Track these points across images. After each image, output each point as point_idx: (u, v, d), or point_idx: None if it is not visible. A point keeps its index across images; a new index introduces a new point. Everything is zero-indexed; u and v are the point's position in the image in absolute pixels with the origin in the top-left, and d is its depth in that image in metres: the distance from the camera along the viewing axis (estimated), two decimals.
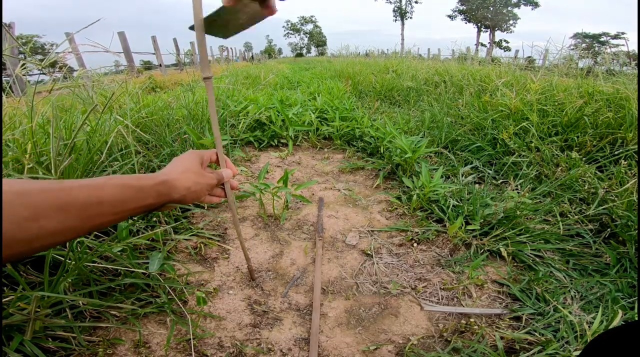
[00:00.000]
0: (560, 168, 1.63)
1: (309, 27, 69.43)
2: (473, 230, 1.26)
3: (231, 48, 19.01)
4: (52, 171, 0.91)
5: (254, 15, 0.54)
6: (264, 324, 0.95)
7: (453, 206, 1.40)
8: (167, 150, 1.71)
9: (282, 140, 2.44)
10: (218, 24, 0.57)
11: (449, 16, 40.54)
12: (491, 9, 37.22)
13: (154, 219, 1.25)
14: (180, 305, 0.95)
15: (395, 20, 44.35)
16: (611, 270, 1.08)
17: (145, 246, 1.13)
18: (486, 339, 0.88)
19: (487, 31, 39.06)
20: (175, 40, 10.38)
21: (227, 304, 1.00)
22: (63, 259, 0.83)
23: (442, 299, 1.04)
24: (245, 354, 0.85)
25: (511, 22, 37.86)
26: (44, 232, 0.32)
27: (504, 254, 1.16)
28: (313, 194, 1.71)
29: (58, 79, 1.31)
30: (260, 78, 4.60)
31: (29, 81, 1.67)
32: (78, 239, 0.81)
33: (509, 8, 37.24)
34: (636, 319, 0.88)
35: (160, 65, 8.99)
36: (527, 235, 1.22)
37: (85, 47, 1.13)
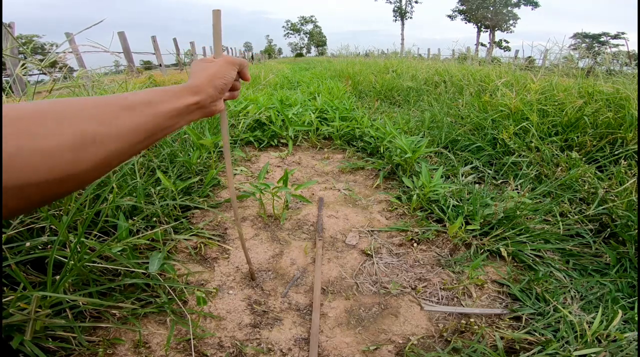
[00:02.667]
0: (560, 168, 1.63)
1: (309, 27, 69.46)
2: (473, 230, 1.26)
3: (231, 48, 19.03)
4: None
5: None
6: (264, 324, 0.95)
7: (453, 205, 1.40)
8: (167, 150, 1.71)
9: (282, 140, 2.44)
10: None
11: (449, 16, 40.56)
12: (491, 9, 37.22)
13: (154, 219, 1.25)
14: (180, 305, 0.95)
15: (395, 20, 44.38)
16: (611, 270, 1.08)
17: (145, 246, 1.13)
18: (486, 339, 0.88)
19: (487, 31, 39.08)
20: (175, 40, 10.38)
21: (227, 304, 1.00)
22: (64, 259, 0.83)
23: (442, 299, 1.04)
24: (245, 354, 0.85)
25: (511, 22, 37.88)
26: (90, 158, 0.29)
27: (504, 254, 1.17)
28: (313, 194, 1.71)
29: (58, 79, 1.31)
30: (260, 78, 4.60)
31: (28, 81, 1.67)
32: (77, 239, 0.81)
33: (509, 8, 37.25)
34: (636, 319, 0.88)
35: (160, 65, 8.99)
36: (527, 235, 1.22)
37: (85, 47, 1.13)
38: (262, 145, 2.37)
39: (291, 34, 71.07)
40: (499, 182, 1.74)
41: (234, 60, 0.55)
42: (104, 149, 0.29)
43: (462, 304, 1.01)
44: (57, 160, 0.25)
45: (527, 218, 1.31)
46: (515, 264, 1.17)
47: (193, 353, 0.83)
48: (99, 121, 0.30)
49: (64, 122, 0.27)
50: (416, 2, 43.93)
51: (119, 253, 0.92)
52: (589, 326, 0.82)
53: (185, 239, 1.23)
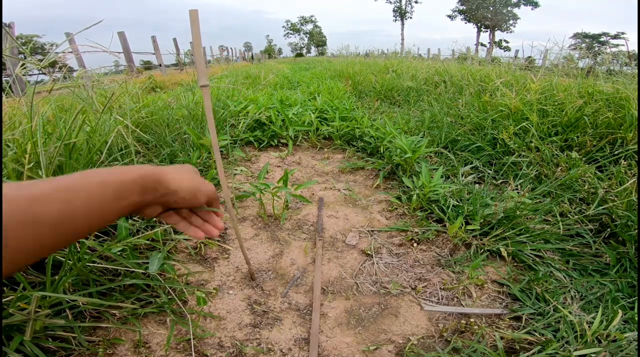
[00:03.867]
0: (560, 168, 1.63)
1: (309, 27, 69.44)
2: (473, 230, 1.26)
3: (231, 48, 19.03)
4: (43, 175, 0.91)
5: None
6: (264, 324, 0.95)
7: (453, 205, 1.40)
8: (167, 150, 1.71)
9: (282, 140, 2.44)
10: None
11: (449, 16, 40.55)
12: (491, 9, 37.23)
13: (154, 219, 1.24)
14: (180, 305, 0.95)
15: (395, 20, 44.37)
16: (611, 270, 1.08)
17: (145, 246, 1.13)
18: (486, 339, 0.88)
19: (487, 31, 39.08)
20: (175, 40, 10.38)
21: (227, 304, 1.00)
22: (64, 259, 0.83)
23: (442, 299, 1.04)
24: (245, 354, 0.85)
25: (511, 22, 37.87)
26: (11, 253, 0.25)
27: (504, 254, 1.16)
28: (313, 194, 1.71)
29: (58, 79, 1.31)
30: (260, 78, 4.60)
31: (28, 81, 1.67)
32: (79, 240, 0.81)
33: (509, 8, 37.25)
34: (636, 319, 0.88)
35: (160, 65, 8.99)
36: (527, 235, 1.22)
37: (85, 47, 1.13)
38: (262, 145, 2.37)
39: (291, 34, 71.05)
40: (499, 182, 1.74)
41: (208, 191, 0.44)
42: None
43: (462, 304, 1.01)
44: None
45: (527, 218, 1.31)
46: (515, 264, 1.17)
47: (193, 353, 0.83)
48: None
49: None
50: (416, 2, 43.93)
51: (118, 253, 0.92)
52: (589, 326, 0.82)
53: (185, 239, 1.23)
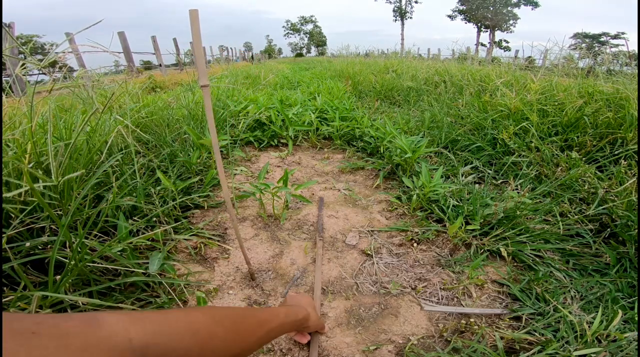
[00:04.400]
0: (560, 168, 1.63)
1: (309, 27, 69.43)
2: (473, 230, 1.26)
3: (231, 48, 19.03)
4: (53, 176, 0.91)
5: None
6: None
7: (453, 205, 1.40)
8: (167, 150, 1.71)
9: (282, 140, 2.44)
10: None
11: (449, 16, 40.53)
12: (491, 9, 37.21)
13: (154, 219, 1.25)
14: (181, 305, 0.95)
15: (395, 20, 44.36)
16: (611, 270, 1.08)
17: (145, 246, 1.13)
18: (486, 339, 0.88)
19: (487, 31, 39.06)
20: (175, 40, 10.38)
21: (228, 304, 1.00)
22: (65, 259, 0.83)
23: (442, 299, 1.04)
24: None
25: (511, 22, 37.85)
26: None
27: (504, 254, 1.17)
28: (313, 194, 1.71)
29: (58, 79, 1.31)
30: (260, 78, 4.60)
31: (28, 81, 1.67)
32: (79, 240, 0.81)
33: (509, 8, 37.24)
34: (636, 319, 0.88)
35: (160, 65, 8.99)
36: (527, 235, 1.22)
37: (85, 47, 1.13)
38: (262, 145, 2.37)
39: (291, 34, 71.02)
40: (499, 182, 1.74)
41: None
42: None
43: (462, 304, 1.01)
44: None
45: (527, 218, 1.31)
46: (515, 264, 1.17)
47: None
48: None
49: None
50: (416, 2, 43.92)
51: (119, 253, 0.93)
52: (589, 326, 0.82)
53: (185, 239, 1.23)
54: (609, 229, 1.24)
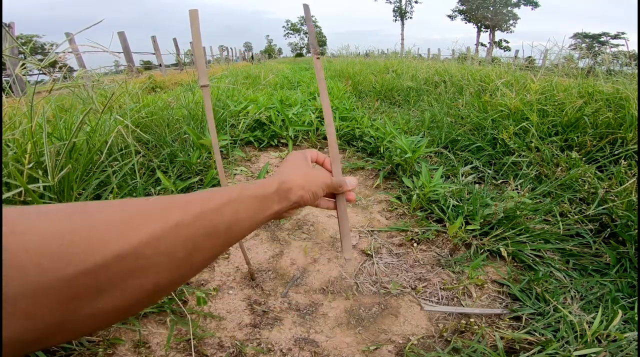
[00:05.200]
0: (560, 168, 1.63)
1: None
2: (473, 230, 1.26)
3: (231, 48, 19.03)
4: (49, 176, 0.91)
5: None
6: (264, 324, 0.95)
7: (453, 205, 1.40)
8: (167, 150, 1.71)
9: (282, 140, 2.44)
10: None
11: (449, 16, 40.55)
12: (491, 9, 37.23)
13: None
14: (180, 305, 0.95)
15: (395, 20, 44.37)
16: (611, 270, 1.08)
17: None
18: (486, 339, 0.88)
19: (487, 31, 39.07)
20: (175, 40, 10.38)
21: (227, 304, 1.00)
22: None
23: (442, 299, 1.04)
24: (245, 354, 0.85)
25: (511, 22, 37.87)
26: (191, 269, 0.26)
27: (504, 254, 1.17)
28: None
29: (58, 79, 1.31)
30: (260, 78, 4.60)
31: (28, 81, 1.67)
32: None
33: (509, 8, 37.25)
34: (636, 319, 0.88)
35: (160, 65, 8.99)
36: (527, 235, 1.22)
37: (85, 47, 1.13)
38: (262, 145, 2.37)
39: (291, 34, 71.04)
40: (499, 182, 1.74)
41: (324, 185, 0.46)
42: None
43: (462, 304, 1.01)
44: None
45: (527, 218, 1.31)
46: (515, 264, 1.17)
47: (193, 353, 0.83)
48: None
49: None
50: (416, 2, 43.94)
51: None
52: (589, 326, 0.82)
53: None
54: (609, 229, 1.24)
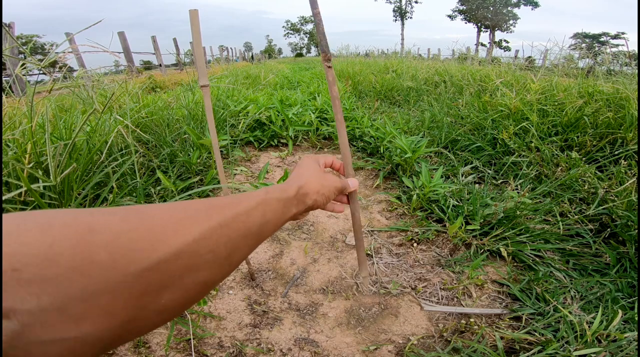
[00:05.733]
0: (560, 168, 1.63)
1: (309, 27, 69.43)
2: (473, 230, 1.26)
3: (231, 48, 19.03)
4: (51, 176, 0.91)
5: None
6: (264, 324, 0.95)
7: (453, 205, 1.40)
8: (167, 150, 1.71)
9: (282, 140, 2.44)
10: None
11: (449, 16, 40.55)
12: (491, 9, 37.23)
13: None
14: None
15: (395, 20, 44.39)
16: (611, 270, 1.08)
17: None
18: (486, 339, 0.88)
19: (487, 31, 39.08)
20: (175, 40, 10.38)
21: (227, 304, 1.00)
22: None
23: (442, 299, 1.04)
24: (245, 354, 0.85)
25: (511, 22, 37.88)
26: (231, 268, 0.28)
27: (504, 254, 1.17)
28: None
29: (58, 79, 1.31)
30: (260, 78, 4.61)
31: (28, 81, 1.67)
32: None
33: (509, 8, 37.25)
34: (636, 319, 0.88)
35: (160, 65, 8.99)
36: (527, 235, 1.22)
37: (85, 47, 1.13)
38: (262, 145, 2.37)
39: (291, 34, 71.05)
40: (499, 182, 1.74)
41: (335, 190, 0.49)
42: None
43: (462, 304, 1.01)
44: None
45: (527, 218, 1.31)
46: (515, 264, 1.17)
47: (193, 353, 0.83)
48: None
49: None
50: (416, 2, 43.95)
51: None
52: (589, 326, 0.82)
53: None
54: (609, 229, 1.24)
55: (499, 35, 39.09)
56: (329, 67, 0.51)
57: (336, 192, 0.48)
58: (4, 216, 0.18)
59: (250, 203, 0.31)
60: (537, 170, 1.68)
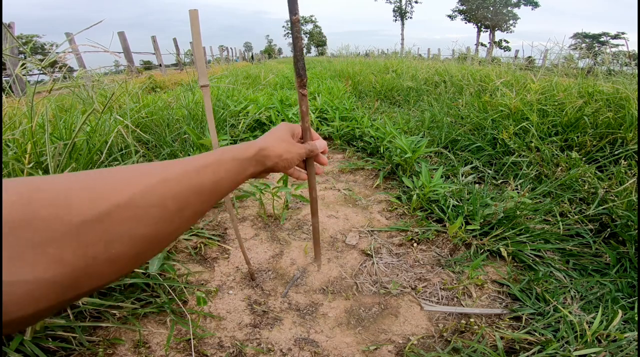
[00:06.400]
0: (560, 168, 1.63)
1: (309, 27, 69.46)
2: (473, 230, 1.26)
3: (231, 48, 19.03)
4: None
5: None
6: (264, 324, 0.95)
7: (453, 205, 1.40)
8: (167, 150, 1.71)
9: None
10: None
11: (449, 16, 40.54)
12: (491, 9, 37.23)
13: None
14: (180, 305, 0.95)
15: (395, 20, 44.38)
16: (611, 270, 1.08)
17: None
18: (486, 339, 0.88)
19: (487, 31, 39.07)
20: (175, 40, 10.38)
21: (227, 304, 1.00)
22: None
23: (442, 299, 1.04)
24: (245, 354, 0.85)
25: (511, 22, 37.87)
26: (184, 222, 0.30)
27: (504, 254, 1.17)
28: None
29: (58, 79, 1.31)
30: (260, 78, 4.61)
31: (28, 81, 1.67)
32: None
33: (509, 8, 37.25)
34: (636, 319, 0.88)
35: (160, 65, 8.99)
36: (527, 235, 1.22)
37: (85, 47, 1.13)
38: None
39: (291, 34, 70.92)
40: (499, 182, 1.74)
41: (299, 156, 0.50)
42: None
43: (462, 304, 1.01)
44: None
45: (527, 218, 1.31)
46: (515, 264, 1.17)
47: (193, 353, 0.83)
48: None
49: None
50: (416, 2, 43.94)
51: None
52: (589, 326, 0.82)
53: (185, 239, 1.23)
54: (609, 229, 1.24)
55: (499, 35, 39.11)
56: (304, 94, 0.50)
57: (300, 158, 0.50)
58: None
59: (201, 162, 0.33)
60: (537, 170, 1.68)
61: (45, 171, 1.06)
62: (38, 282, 0.20)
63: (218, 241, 1.29)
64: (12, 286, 0.19)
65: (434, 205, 1.45)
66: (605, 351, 0.76)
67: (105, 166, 1.30)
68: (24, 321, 0.20)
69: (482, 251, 1.21)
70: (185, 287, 1.01)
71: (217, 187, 0.34)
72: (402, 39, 41.22)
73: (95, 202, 0.23)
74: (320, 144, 0.54)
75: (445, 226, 1.34)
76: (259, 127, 2.48)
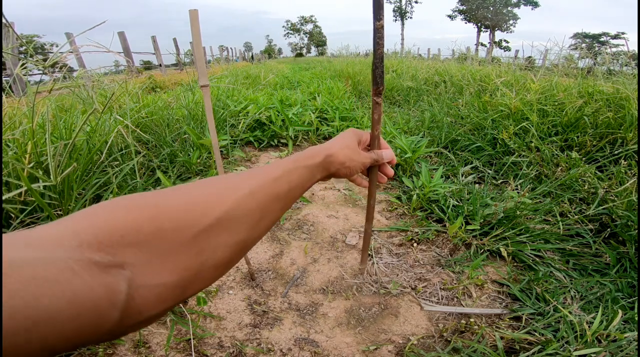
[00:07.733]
0: (560, 168, 1.63)
1: (309, 27, 69.46)
2: (473, 230, 1.26)
3: (231, 48, 19.03)
4: (52, 176, 0.91)
5: None
6: (264, 324, 0.95)
7: (453, 205, 1.40)
8: (167, 150, 1.71)
9: (282, 140, 2.44)
10: None
11: (449, 16, 40.55)
12: (491, 9, 37.23)
13: None
14: (181, 305, 0.95)
15: (395, 20, 44.39)
16: (611, 270, 1.08)
17: None
18: (486, 339, 0.88)
19: (487, 31, 39.08)
20: (175, 40, 10.38)
21: (227, 304, 1.00)
22: None
23: (442, 299, 1.04)
24: (245, 354, 0.85)
25: (511, 22, 37.88)
26: (265, 228, 0.33)
27: (504, 254, 1.17)
28: (313, 194, 1.71)
29: (58, 79, 1.32)
30: (260, 78, 4.61)
31: (29, 81, 1.67)
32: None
33: (509, 8, 37.25)
34: (636, 319, 0.88)
35: (160, 65, 8.99)
36: (527, 235, 1.22)
37: (86, 47, 1.13)
38: (262, 146, 2.37)
39: (291, 34, 71.05)
40: (499, 182, 1.74)
41: (362, 165, 0.51)
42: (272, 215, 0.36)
43: (462, 304, 1.01)
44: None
45: (527, 218, 1.31)
46: (515, 264, 1.17)
47: (193, 353, 0.83)
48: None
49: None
50: (416, 2, 43.97)
51: None
52: (589, 326, 0.82)
53: None
54: (609, 229, 1.24)
55: (499, 35, 39.11)
56: (378, 103, 0.49)
57: (363, 167, 0.51)
58: (106, 202, 0.24)
59: (277, 171, 0.36)
60: (537, 170, 1.68)
61: (46, 171, 1.06)
62: (166, 285, 0.23)
63: None
64: (145, 289, 0.22)
65: (434, 205, 1.45)
66: (605, 351, 0.77)
67: (105, 166, 1.30)
68: (152, 318, 0.24)
69: (482, 251, 1.21)
70: None
71: (291, 194, 0.37)
72: (402, 39, 41.21)
73: (203, 216, 0.27)
74: (387, 154, 0.54)
75: (445, 226, 1.34)
76: (259, 127, 2.48)
